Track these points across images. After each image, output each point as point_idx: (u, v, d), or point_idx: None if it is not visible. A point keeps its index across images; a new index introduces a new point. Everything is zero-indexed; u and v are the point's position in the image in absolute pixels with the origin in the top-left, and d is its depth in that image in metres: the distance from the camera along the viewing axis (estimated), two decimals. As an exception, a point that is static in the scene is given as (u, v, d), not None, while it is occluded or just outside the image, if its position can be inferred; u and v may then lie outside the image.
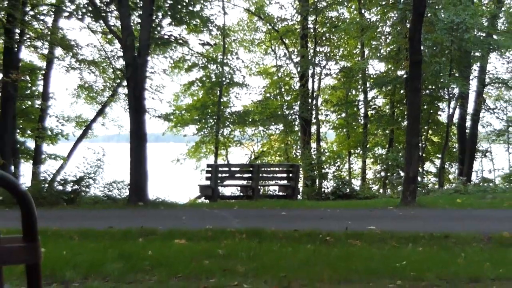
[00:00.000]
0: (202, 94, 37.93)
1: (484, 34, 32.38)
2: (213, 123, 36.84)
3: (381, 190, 34.52)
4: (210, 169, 28.04)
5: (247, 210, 20.76)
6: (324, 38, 38.82)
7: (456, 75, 33.28)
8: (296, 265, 10.40)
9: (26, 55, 31.52)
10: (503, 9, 34.89)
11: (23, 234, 1.40)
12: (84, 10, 27.62)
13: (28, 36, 29.42)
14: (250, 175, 28.34)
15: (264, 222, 15.38)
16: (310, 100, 37.93)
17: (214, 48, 35.43)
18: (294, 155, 38.28)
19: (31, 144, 33.10)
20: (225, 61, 36.03)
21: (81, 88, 34.42)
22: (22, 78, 29.97)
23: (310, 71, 37.95)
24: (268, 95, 39.62)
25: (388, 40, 37.19)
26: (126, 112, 29.14)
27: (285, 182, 29.03)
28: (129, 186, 24.44)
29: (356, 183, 36.30)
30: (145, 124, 24.68)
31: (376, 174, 38.26)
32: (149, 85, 29.53)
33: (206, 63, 35.72)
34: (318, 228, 14.18)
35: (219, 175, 27.80)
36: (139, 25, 25.08)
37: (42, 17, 30.52)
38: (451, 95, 35.54)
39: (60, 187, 24.76)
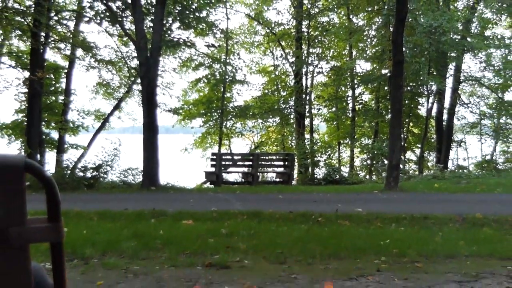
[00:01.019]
0: (208, 91, 37.91)
1: (459, 37, 32.38)
2: (217, 116, 36.89)
3: (367, 176, 34.51)
4: (214, 157, 28.07)
5: (248, 194, 20.75)
6: (316, 41, 38.78)
7: (434, 73, 33.29)
8: (291, 242, 10.40)
9: (51, 55, 31.58)
10: (475, 14, 34.88)
11: (47, 215, 1.40)
12: (102, 16, 27.71)
13: (52, 38, 29.37)
14: (250, 163, 28.36)
15: (263, 204, 15.38)
16: (304, 96, 37.93)
17: (218, 49, 35.37)
18: (290, 145, 38.27)
19: (55, 135, 33.08)
20: (228, 61, 36.04)
21: (99, 85, 34.41)
22: (47, 76, 30.04)
23: (304, 70, 37.98)
24: (266, 91, 39.62)
25: (373, 42, 37.14)
26: (139, 107, 29.15)
27: (281, 169, 29.03)
28: (142, 173, 24.52)
29: (345, 170, 36.30)
30: (156, 117, 24.88)
31: (362, 162, 38.27)
32: (160, 82, 29.55)
33: (211, 63, 35.73)
34: (311, 210, 14.17)
35: (223, 163, 27.87)
36: (151, 29, 25.09)
37: (65, 22, 30.58)
38: (429, 91, 35.56)
39: (81, 174, 24.85)
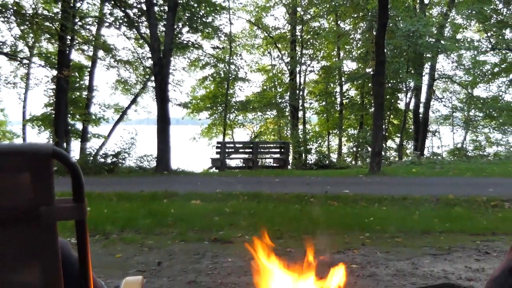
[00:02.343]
0: (213, 87, 37.87)
1: (433, 40, 32.35)
2: (221, 109, 36.92)
3: (353, 162, 34.51)
4: (219, 145, 28.17)
5: (248, 177, 20.75)
6: (308, 43, 38.77)
7: (412, 72, 33.26)
8: (286, 220, 10.40)
9: (75, 56, 31.55)
10: (448, 20, 34.85)
11: (73, 197, 1.39)
12: (120, 21, 27.85)
13: (77, 41, 29.35)
14: (250, 150, 28.42)
15: (262, 187, 15.37)
16: (297, 92, 37.94)
17: (223, 50, 35.35)
18: (285, 135, 38.22)
19: (79, 126, 33.10)
20: (231, 61, 35.98)
21: (118, 82, 34.39)
22: (72, 74, 30.05)
23: (298, 69, 37.99)
24: (265, 87, 39.57)
25: (358, 45, 37.15)
26: (153, 101, 29.14)
27: (278, 155, 29.07)
28: (156, 159, 24.58)
29: (334, 156, 36.23)
30: (168, 110, 24.97)
31: (349, 149, 38.31)
32: (171, 79, 29.53)
33: (216, 63, 35.72)
34: (304, 192, 14.17)
35: (226, 150, 27.92)
36: (164, 33, 25.10)
37: (88, 27, 30.50)
38: (408, 88, 35.59)
39: (102, 160, 24.92)
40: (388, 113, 35.62)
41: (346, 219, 10.50)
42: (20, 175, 1.36)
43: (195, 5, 27.66)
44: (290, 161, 30.95)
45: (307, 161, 32.53)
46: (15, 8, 25.14)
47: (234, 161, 29.16)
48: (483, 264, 7.51)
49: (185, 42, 28.76)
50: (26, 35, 28.77)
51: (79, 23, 28.98)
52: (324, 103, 39.59)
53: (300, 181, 18.84)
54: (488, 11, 34.24)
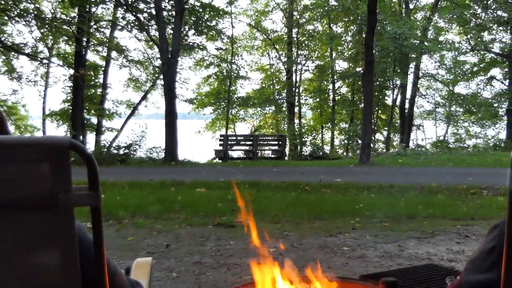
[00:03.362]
0: (217, 85, 37.88)
1: (418, 42, 32.32)
2: (224, 105, 36.92)
3: (344, 153, 34.47)
4: (222, 138, 28.17)
5: (249, 167, 20.75)
6: (303, 44, 38.70)
7: (398, 71, 33.27)
8: (284, 206, 10.41)
9: (91, 56, 31.46)
10: (431, 23, 34.82)
11: (88, 185, 1.39)
12: (132, 25, 27.82)
13: (92, 43, 29.33)
14: (251, 142, 28.40)
15: (261, 176, 15.39)
16: (293, 89, 37.89)
17: (225, 51, 35.32)
18: (282, 128, 38.17)
19: (94, 120, 33.10)
20: (233, 60, 36.00)
21: (130, 80, 34.36)
22: (88, 73, 30.05)
23: (294, 68, 37.89)
24: (263, 85, 39.50)
25: (349, 46, 37.10)
26: (162, 97, 29.06)
27: (276, 147, 29.02)
28: (164, 150, 24.64)
29: (327, 148, 36.22)
30: (175, 106, 25.04)
31: (341, 141, 38.24)
32: (178, 78, 29.45)
33: (219, 62, 35.69)
34: (300, 180, 14.19)
35: (229, 142, 27.93)
36: (171, 35, 25.06)
37: (102, 30, 30.52)
38: (394, 85, 35.61)
39: (115, 151, 25.03)
40: (376, 108, 35.59)
41: (338, 205, 10.51)
42: (40, 165, 1.37)
43: (200, 10, 27.73)
44: (287, 152, 30.91)
45: (302, 153, 32.52)
46: (35, 12, 25.18)
47: (236, 153, 29.16)
48: (463, 247, 7.52)
49: (191, 43, 28.77)
50: (45, 37, 28.74)
51: (94, 26, 28.99)
52: (318, 99, 39.57)
53: (296, 170, 18.85)
54: (468, 15, 34.35)
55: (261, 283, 3.29)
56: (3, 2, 24.00)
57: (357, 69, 34.98)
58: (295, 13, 37.91)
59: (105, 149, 25.78)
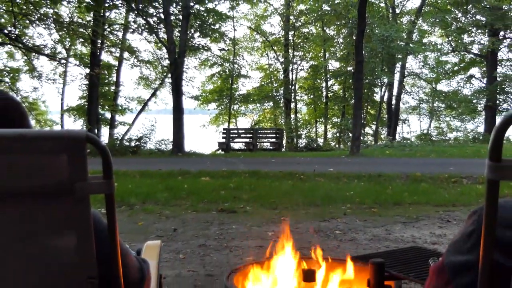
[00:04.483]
0: (220, 82, 37.86)
1: (403, 43, 32.32)
2: (227, 101, 36.94)
3: (336, 145, 34.44)
4: (225, 131, 28.28)
5: (249, 158, 20.77)
6: (299, 46, 38.72)
7: (385, 70, 33.25)
8: (281, 194, 10.42)
9: (105, 57, 31.44)
10: (416, 27, 34.81)
11: (103, 174, 1.39)
12: (142, 28, 27.76)
13: (106, 44, 29.34)
14: (251, 135, 28.50)
15: (260, 166, 15.38)
16: (290, 86, 37.89)
17: (227, 52, 35.27)
18: (280, 122, 38.11)
19: (108, 115, 33.09)
20: (234, 60, 35.96)
21: (140, 78, 34.32)
22: (102, 72, 30.05)
23: (290, 67, 37.92)
24: (263, 83, 39.47)
25: (341, 47, 37.07)
26: (170, 94, 29.01)
27: (274, 140, 29.11)
28: (172, 143, 24.67)
29: (320, 140, 36.21)
30: (182, 102, 25.16)
31: (333, 134, 38.27)
32: (185, 76, 29.38)
33: (222, 62, 35.63)
34: (296, 170, 14.19)
35: (231, 135, 28.02)
36: (178, 37, 25.09)
37: (115, 32, 30.52)
38: (382, 83, 35.57)
39: (127, 143, 25.04)
40: (365, 104, 35.56)
41: (331, 193, 10.51)
42: (59, 156, 1.37)
43: (205, 14, 27.84)
44: (284, 144, 30.95)
45: (298, 145, 32.58)
46: (54, 17, 25.14)
47: (237, 145, 29.17)
48: (445, 231, 7.54)
49: (196, 45, 28.78)
50: (63, 39, 28.70)
51: (108, 29, 28.97)
52: (312, 96, 39.53)
53: (292, 161, 18.85)
54: (449, 19, 34.39)
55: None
56: (24, 7, 24.05)
57: (348, 68, 34.98)
58: (291, 17, 37.93)
59: (118, 142, 25.77)
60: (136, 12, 27.19)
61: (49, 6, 25.07)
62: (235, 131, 29.74)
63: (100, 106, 31.18)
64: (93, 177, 1.41)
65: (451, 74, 37.08)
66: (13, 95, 2.04)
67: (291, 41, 38.24)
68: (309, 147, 30.55)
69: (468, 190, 10.97)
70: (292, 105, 38.47)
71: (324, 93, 38.92)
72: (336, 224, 7.98)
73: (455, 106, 35.38)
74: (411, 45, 32.72)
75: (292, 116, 37.75)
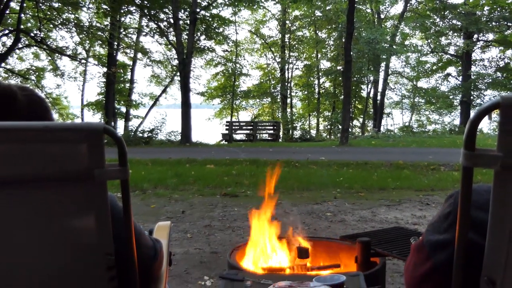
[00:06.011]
0: (223, 80, 37.84)
1: (388, 45, 32.28)
2: (229, 97, 36.97)
3: (327, 136, 34.44)
4: (228, 124, 28.22)
5: (250, 148, 20.75)
6: (294, 47, 38.69)
7: (371, 69, 33.27)
8: (278, 180, 10.41)
9: (121, 57, 31.47)
10: (399, 30, 34.79)
11: (118, 162, 1.40)
12: (154, 31, 27.92)
13: (121, 46, 29.42)
14: (251, 127, 28.44)
15: (260, 154, 15.39)
16: (286, 84, 37.89)
17: (230, 53, 35.26)
18: (277, 116, 38.08)
19: (123, 109, 33.12)
20: (236, 61, 35.96)
21: (152, 76, 34.30)
22: (118, 71, 30.13)
23: (286, 67, 37.95)
24: (261, 80, 39.41)
25: (331, 49, 37.07)
26: (179, 91, 28.93)
27: (271, 131, 29.11)
28: (180, 134, 24.70)
29: (313, 132, 36.20)
30: (190, 97, 25.34)
31: (325, 127, 38.30)
32: (192, 75, 29.39)
33: (225, 62, 35.62)
34: (291, 158, 14.20)
35: (233, 127, 27.92)
36: (186, 40, 25.12)
37: (130, 35, 30.59)
38: (368, 81, 35.69)
39: (140, 134, 25.13)
40: (354, 99, 35.49)
41: (323, 179, 10.52)
42: (79, 146, 1.38)
43: (210, 19, 28.08)
44: (281, 135, 30.92)
45: (293, 136, 32.59)
46: (75, 21, 25.25)
47: (239, 136, 29.13)
48: (424, 213, 7.55)
49: (202, 46, 28.96)
50: (83, 41, 28.71)
51: (123, 33, 29.06)
52: (306, 92, 39.51)
53: (288, 150, 18.87)
54: (428, 24, 34.51)
55: (256, 241, 3.30)
56: (49, 13, 24.08)
57: (338, 68, 34.98)
58: (287, 22, 37.87)
59: (132, 133, 25.84)
60: (148, 17, 27.31)
61: (70, 12, 25.13)
62: (237, 124, 29.70)
63: (116, 101, 31.27)
64: (110, 164, 1.41)
65: (430, 72, 37.15)
66: (38, 91, 2.05)
67: (287, 43, 38.19)
68: (303, 138, 30.59)
69: (445, 176, 10.98)
70: (288, 100, 38.46)
71: (317, 90, 38.87)
72: (327, 206, 7.99)
73: (433, 101, 35.42)
74: (394, 46, 32.73)
75: (288, 110, 37.75)
